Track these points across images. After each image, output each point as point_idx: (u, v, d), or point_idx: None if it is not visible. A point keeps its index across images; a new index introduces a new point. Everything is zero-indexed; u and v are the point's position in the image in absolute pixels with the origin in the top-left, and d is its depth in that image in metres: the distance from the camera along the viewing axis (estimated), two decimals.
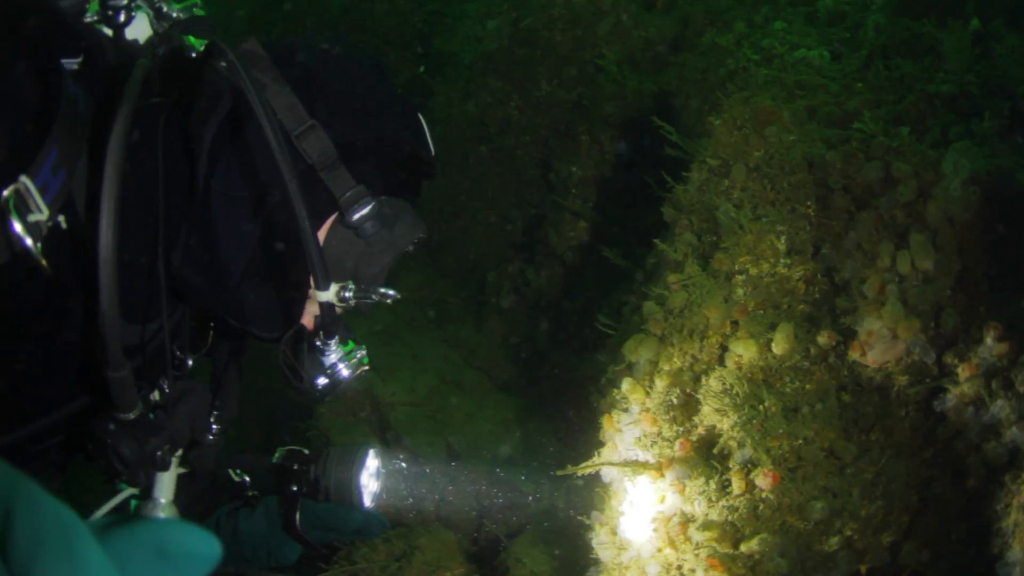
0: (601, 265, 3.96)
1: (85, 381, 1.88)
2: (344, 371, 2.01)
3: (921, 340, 2.43)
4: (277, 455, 2.68)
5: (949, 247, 2.43)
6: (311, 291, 1.94)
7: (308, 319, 2.04)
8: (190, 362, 2.25)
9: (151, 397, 2.08)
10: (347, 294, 1.90)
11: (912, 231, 2.43)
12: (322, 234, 1.94)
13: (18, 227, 1.50)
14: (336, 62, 1.99)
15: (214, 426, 2.29)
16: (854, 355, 2.51)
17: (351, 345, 2.04)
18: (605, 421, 2.97)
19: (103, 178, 1.62)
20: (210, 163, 1.87)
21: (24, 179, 1.51)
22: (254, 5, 6.68)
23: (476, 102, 4.77)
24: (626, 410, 2.89)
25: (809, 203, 2.73)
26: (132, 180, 1.74)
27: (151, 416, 1.95)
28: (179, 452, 2.18)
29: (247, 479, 2.65)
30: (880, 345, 2.46)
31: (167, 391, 2.08)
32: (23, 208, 1.51)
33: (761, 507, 2.44)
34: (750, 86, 3.05)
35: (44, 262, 1.55)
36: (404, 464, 3.40)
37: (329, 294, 1.87)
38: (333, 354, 1.99)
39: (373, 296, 1.92)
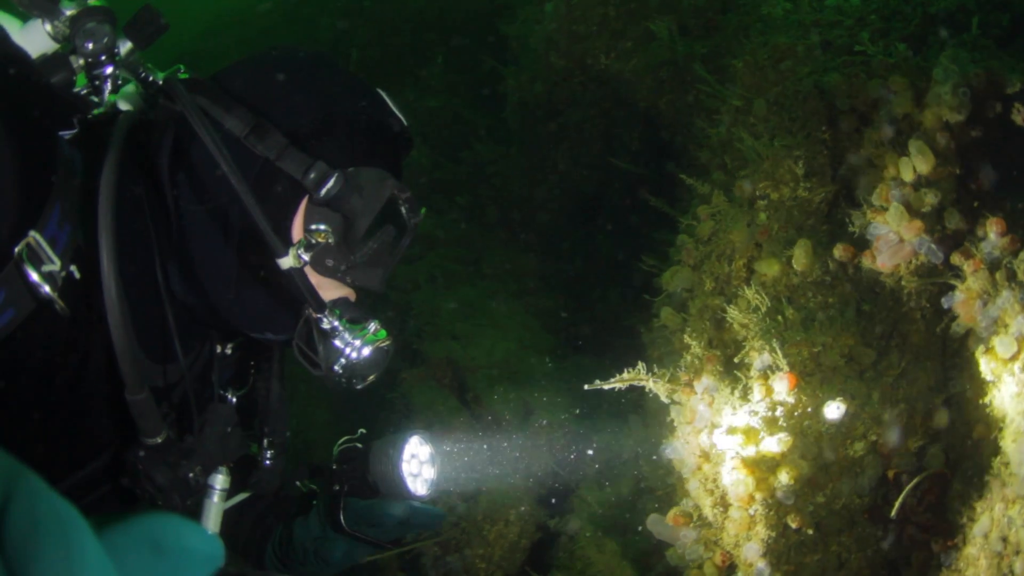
0: (663, 223, 4.12)
1: (116, 424, 1.96)
2: (364, 349, 1.99)
3: (926, 241, 2.51)
4: (335, 454, 2.62)
5: (948, 150, 2.51)
6: (316, 278, 1.99)
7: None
8: (233, 399, 2.32)
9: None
10: (301, 251, 1.93)
11: (911, 138, 2.53)
12: (299, 218, 1.97)
13: (35, 276, 1.65)
14: (275, 62, 2.06)
15: (268, 451, 2.34)
16: (866, 262, 2.62)
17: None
18: (650, 351, 3.14)
19: (98, 223, 1.77)
20: (173, 186, 1.96)
21: (33, 233, 1.66)
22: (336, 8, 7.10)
23: (542, 82, 5.00)
24: (667, 338, 3.06)
25: (824, 128, 2.86)
26: (126, 223, 1.86)
27: (180, 441, 2.02)
28: (220, 478, 2.23)
29: (314, 487, 2.65)
30: (888, 249, 2.55)
31: (196, 417, 2.13)
32: (36, 260, 1.66)
33: (780, 410, 2.57)
34: (770, 29, 3.18)
35: (63, 304, 1.71)
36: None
37: (289, 259, 1.89)
38: (347, 333, 1.98)
39: (318, 243, 1.96)
